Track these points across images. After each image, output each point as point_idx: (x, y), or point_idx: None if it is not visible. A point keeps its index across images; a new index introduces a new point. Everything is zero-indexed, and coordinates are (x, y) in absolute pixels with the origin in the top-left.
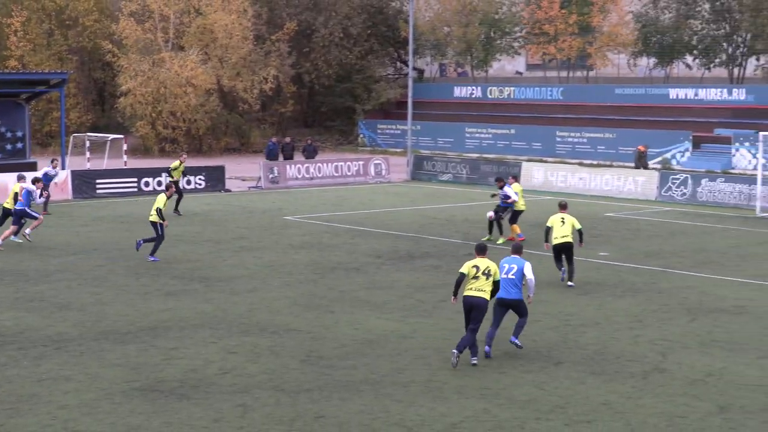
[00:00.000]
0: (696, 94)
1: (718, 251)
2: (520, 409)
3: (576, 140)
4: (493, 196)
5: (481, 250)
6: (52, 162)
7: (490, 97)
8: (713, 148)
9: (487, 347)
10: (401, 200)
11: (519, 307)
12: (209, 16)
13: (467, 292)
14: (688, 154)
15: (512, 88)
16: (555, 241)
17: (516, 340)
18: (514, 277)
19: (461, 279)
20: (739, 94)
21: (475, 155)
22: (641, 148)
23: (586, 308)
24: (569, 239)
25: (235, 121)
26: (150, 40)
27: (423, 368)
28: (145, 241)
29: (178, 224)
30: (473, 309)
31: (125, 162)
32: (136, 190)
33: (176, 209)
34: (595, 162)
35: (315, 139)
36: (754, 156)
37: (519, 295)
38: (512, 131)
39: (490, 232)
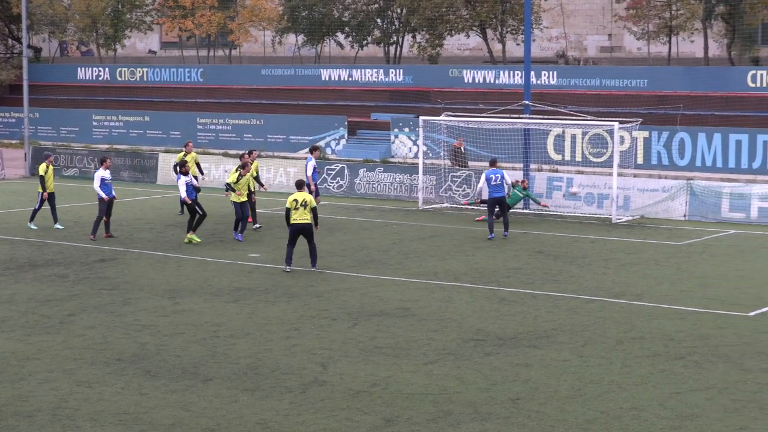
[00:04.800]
0: (350, 75)
1: (379, 249)
2: None
3: (220, 127)
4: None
5: (299, 186)
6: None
7: (120, 79)
8: (371, 135)
9: (502, 232)
10: (19, 200)
11: (504, 203)
12: None
13: (293, 221)
14: (343, 141)
15: (145, 70)
16: (294, 222)
17: (506, 233)
18: (500, 182)
19: (288, 212)
20: (396, 75)
21: (105, 146)
22: (457, 143)
23: (236, 317)
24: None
25: None
26: None
27: (51, 393)
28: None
29: None
30: (302, 232)
31: None
32: None
33: None
34: (241, 152)
35: None
36: (415, 143)
37: (503, 194)
38: (147, 118)
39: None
